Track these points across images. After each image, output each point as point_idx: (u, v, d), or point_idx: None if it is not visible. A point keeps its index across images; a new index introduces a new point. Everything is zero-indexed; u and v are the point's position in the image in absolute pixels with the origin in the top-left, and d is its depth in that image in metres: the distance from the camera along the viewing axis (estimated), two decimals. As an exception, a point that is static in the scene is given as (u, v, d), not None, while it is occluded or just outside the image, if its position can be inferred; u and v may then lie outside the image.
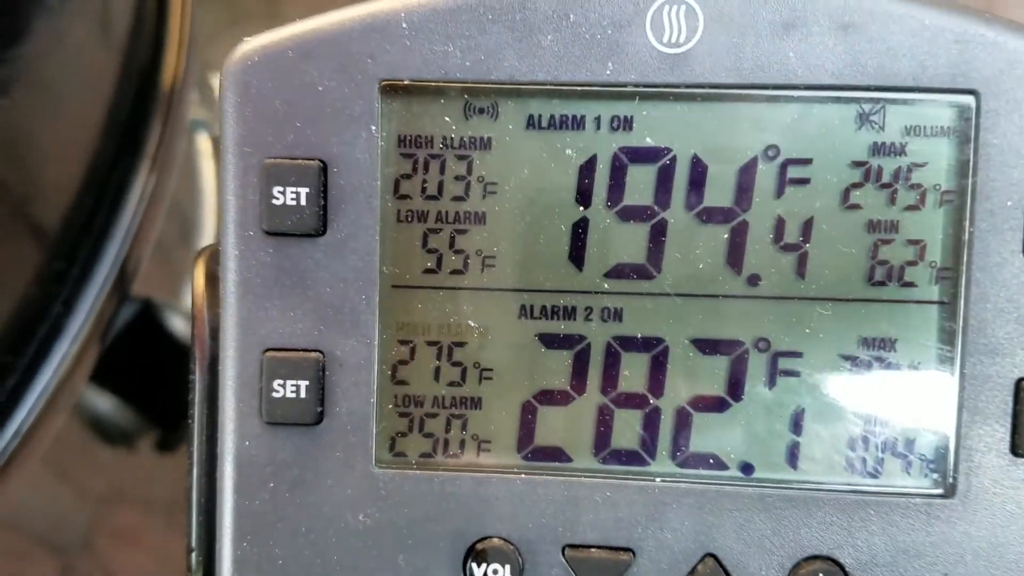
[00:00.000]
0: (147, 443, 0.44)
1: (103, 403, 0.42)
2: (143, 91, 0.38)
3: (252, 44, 0.20)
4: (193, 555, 0.22)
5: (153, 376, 0.42)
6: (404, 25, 0.20)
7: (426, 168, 0.20)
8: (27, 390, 0.33)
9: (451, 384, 0.21)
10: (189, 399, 0.21)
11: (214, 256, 0.22)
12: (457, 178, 0.20)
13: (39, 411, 0.33)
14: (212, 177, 0.53)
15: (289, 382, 0.20)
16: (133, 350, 0.39)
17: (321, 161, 0.20)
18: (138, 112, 0.38)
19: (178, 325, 0.41)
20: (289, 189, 0.20)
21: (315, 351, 0.20)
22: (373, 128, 0.20)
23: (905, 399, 0.21)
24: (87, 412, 0.43)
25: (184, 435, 0.43)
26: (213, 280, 0.22)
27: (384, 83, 0.20)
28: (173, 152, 0.39)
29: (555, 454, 0.21)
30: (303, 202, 0.20)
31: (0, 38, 0.32)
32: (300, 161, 0.20)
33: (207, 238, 0.51)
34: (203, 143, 0.50)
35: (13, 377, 0.33)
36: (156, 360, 0.41)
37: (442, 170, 0.20)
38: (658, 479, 0.21)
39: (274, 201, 0.20)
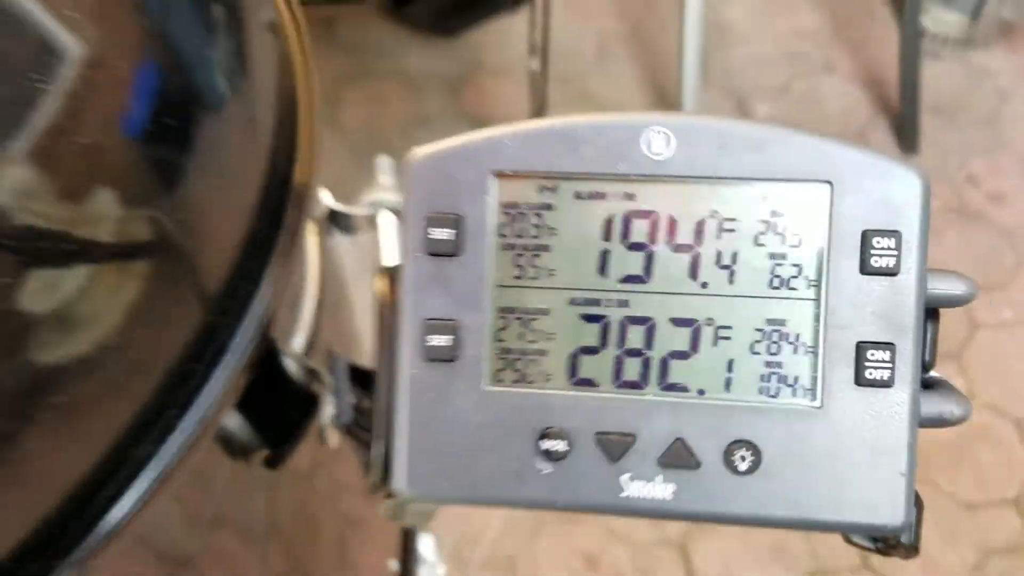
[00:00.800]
0: (258, 461, 0.50)
1: (231, 421, 0.48)
2: (282, 182, 0.47)
3: (421, 151, 0.36)
4: (375, 447, 0.37)
5: (268, 404, 0.48)
6: (507, 142, 0.35)
7: (516, 220, 0.36)
8: (196, 400, 0.40)
9: (529, 342, 0.36)
10: (379, 349, 0.36)
11: (392, 271, 0.37)
12: (535, 226, 0.36)
13: (201, 424, 0.40)
14: (316, 251, 0.62)
15: (439, 337, 0.35)
16: (256, 379, 0.45)
17: (458, 215, 0.36)
18: (278, 199, 0.46)
19: (289, 364, 0.50)
20: (441, 230, 0.35)
21: (453, 320, 0.35)
22: (487, 198, 0.35)
23: (793, 354, 0.35)
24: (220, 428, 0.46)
25: (288, 455, 0.50)
26: (392, 283, 0.37)
27: (495, 172, 0.35)
28: (303, 232, 0.49)
29: (590, 383, 0.36)
30: (448, 237, 0.35)
31: (183, 139, 0.39)
32: (447, 215, 0.35)
33: (310, 301, 0.60)
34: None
35: (193, 382, 0.40)
36: (272, 390, 0.49)
37: (525, 221, 0.36)
38: (649, 396, 0.35)
39: (431, 236, 0.35)
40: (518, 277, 0.35)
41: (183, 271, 0.41)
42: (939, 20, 2.22)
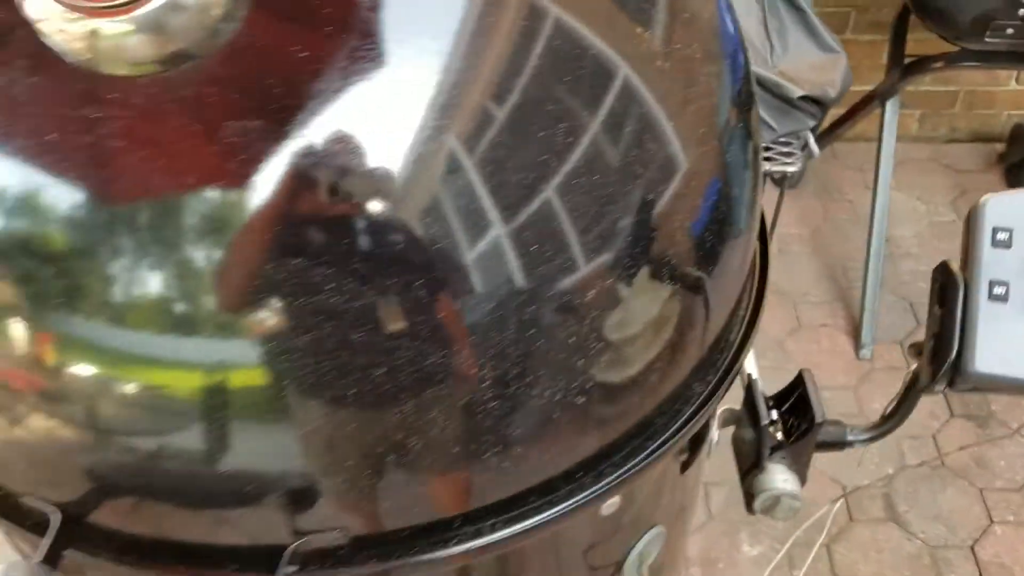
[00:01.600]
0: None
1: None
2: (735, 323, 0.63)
3: (990, 196, 0.66)
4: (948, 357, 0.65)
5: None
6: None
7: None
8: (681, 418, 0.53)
9: None
10: (954, 296, 0.65)
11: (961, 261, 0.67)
12: None
13: (678, 438, 0.52)
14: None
15: (998, 287, 0.63)
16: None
17: (1011, 228, 0.65)
18: (730, 331, 0.62)
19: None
20: (1002, 232, 0.64)
21: (1005, 281, 0.63)
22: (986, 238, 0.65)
23: None
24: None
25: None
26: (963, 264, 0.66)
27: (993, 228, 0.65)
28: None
29: None
30: (1004, 238, 0.64)
31: (718, 244, 0.50)
32: (1005, 227, 0.65)
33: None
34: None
35: (681, 405, 0.54)
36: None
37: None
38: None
39: (996, 237, 0.64)
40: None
41: (694, 326, 0.53)
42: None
